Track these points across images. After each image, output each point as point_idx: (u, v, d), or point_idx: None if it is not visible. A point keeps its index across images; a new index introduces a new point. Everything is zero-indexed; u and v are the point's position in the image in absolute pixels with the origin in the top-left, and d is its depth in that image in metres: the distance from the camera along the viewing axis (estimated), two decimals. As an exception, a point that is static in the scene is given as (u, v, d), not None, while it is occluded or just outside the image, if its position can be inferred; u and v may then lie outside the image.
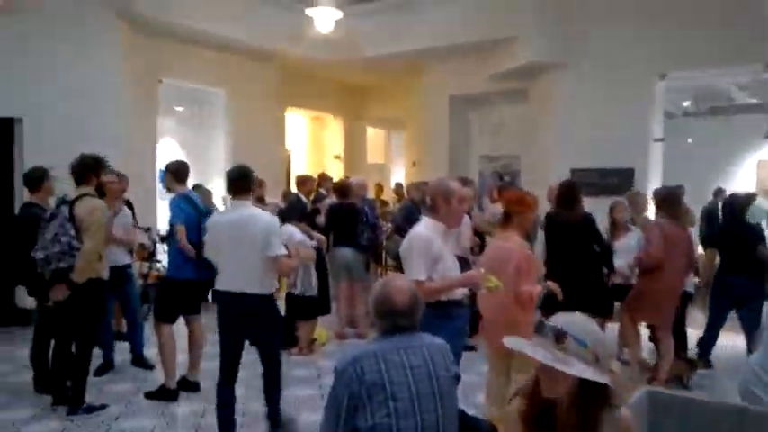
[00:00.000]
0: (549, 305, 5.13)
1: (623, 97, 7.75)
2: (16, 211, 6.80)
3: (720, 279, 5.60)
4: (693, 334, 5.88)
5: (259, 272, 3.84)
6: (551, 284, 4.06)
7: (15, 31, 6.75)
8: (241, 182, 4.00)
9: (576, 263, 5.04)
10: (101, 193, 4.78)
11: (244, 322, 3.92)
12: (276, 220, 4.14)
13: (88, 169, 4.47)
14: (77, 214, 4.25)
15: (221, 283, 3.95)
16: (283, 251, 3.91)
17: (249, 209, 3.99)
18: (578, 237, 5.14)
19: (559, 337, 1.79)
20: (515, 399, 1.96)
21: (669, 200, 5.21)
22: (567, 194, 5.22)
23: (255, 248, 3.80)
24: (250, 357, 6.03)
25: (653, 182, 7.66)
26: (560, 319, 1.85)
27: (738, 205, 5.74)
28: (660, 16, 7.46)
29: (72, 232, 4.19)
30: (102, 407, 4.58)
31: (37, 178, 4.97)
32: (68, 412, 4.41)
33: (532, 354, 1.79)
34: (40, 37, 6.93)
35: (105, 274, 4.53)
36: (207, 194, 7.43)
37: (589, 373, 1.76)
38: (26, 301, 6.70)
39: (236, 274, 3.85)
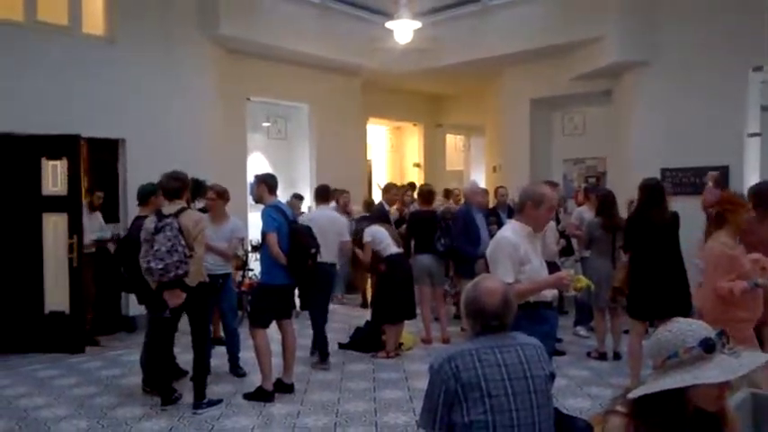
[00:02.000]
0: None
1: (714, 92, 7.43)
2: (120, 223, 7.35)
3: None
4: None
5: (335, 249, 6.10)
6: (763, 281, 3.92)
7: (118, 59, 7.26)
8: (325, 195, 6.46)
9: (668, 263, 4.90)
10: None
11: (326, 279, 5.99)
12: (344, 219, 6.74)
13: (178, 185, 4.79)
14: (185, 225, 4.57)
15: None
16: (348, 238, 6.39)
17: (331, 211, 6.61)
18: (670, 236, 4.98)
19: (725, 342, 1.73)
20: (616, 417, 1.85)
21: (759, 195, 4.91)
22: (655, 193, 5.05)
23: (336, 235, 6.05)
24: (337, 360, 6.20)
25: (750, 179, 7.26)
26: (687, 328, 1.76)
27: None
28: (753, 5, 7.12)
29: (183, 242, 4.50)
30: (219, 401, 4.91)
31: (147, 193, 5.35)
32: (194, 407, 4.74)
33: (752, 366, 1.70)
34: (140, 64, 7.43)
35: (207, 277, 4.92)
36: (296, 204, 7.88)
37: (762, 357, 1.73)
38: (130, 308, 7.19)
39: (326, 250, 5.70)
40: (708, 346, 1.70)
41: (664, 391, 1.72)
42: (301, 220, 6.02)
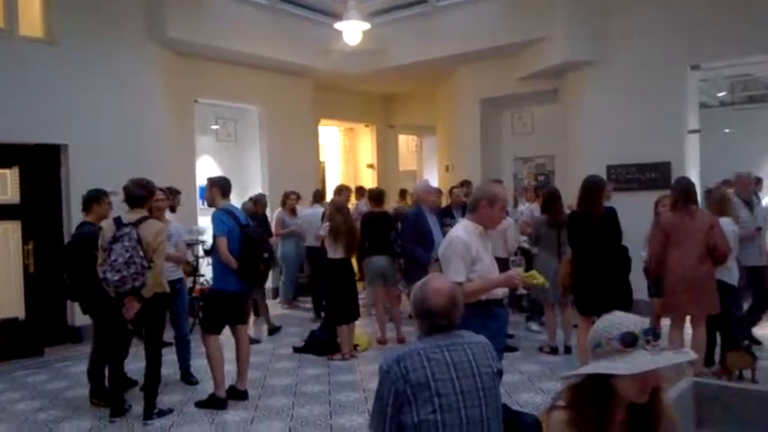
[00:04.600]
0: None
1: (656, 90, 7.66)
2: (64, 231, 7.10)
3: None
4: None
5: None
6: None
7: (59, 61, 7.03)
8: (318, 195, 8.78)
9: (608, 259, 5.04)
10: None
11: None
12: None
13: (144, 193, 4.66)
14: (144, 236, 4.43)
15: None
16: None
17: (318, 209, 8.25)
18: (609, 232, 5.12)
19: (652, 338, 1.72)
20: (557, 411, 1.86)
21: (677, 190, 5.10)
22: (594, 190, 5.17)
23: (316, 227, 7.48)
24: (292, 365, 6.17)
25: (691, 174, 7.53)
26: (617, 321, 1.78)
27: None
28: (690, 7, 7.38)
29: (141, 253, 4.37)
30: (171, 410, 4.80)
31: (87, 199, 5.17)
32: (144, 417, 4.60)
33: (662, 364, 1.69)
34: (83, 66, 7.21)
35: (167, 288, 4.79)
36: (260, 205, 8.11)
37: (681, 356, 1.76)
38: (76, 319, 6.97)
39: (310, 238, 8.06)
40: (626, 340, 1.71)
41: (593, 381, 1.75)
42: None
